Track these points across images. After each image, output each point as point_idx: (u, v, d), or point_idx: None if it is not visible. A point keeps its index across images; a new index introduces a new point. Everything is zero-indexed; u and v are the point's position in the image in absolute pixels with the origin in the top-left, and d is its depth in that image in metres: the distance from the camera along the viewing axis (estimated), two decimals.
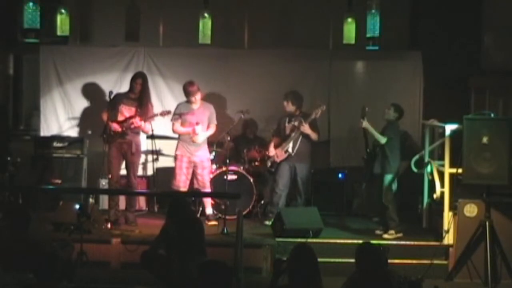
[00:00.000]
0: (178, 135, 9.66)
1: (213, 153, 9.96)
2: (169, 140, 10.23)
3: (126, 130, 9.25)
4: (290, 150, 9.58)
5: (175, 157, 9.62)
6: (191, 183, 9.63)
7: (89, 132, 10.48)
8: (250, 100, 10.36)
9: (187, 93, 9.52)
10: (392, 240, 8.73)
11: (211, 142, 9.89)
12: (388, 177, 8.95)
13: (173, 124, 9.61)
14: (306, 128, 9.46)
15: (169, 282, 6.95)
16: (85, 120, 10.54)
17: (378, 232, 9.07)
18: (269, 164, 9.81)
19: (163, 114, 9.36)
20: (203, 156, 9.60)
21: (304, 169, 9.64)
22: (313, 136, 9.55)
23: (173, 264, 7.02)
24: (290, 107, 9.65)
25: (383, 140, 8.93)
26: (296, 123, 9.58)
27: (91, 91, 10.52)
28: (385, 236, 8.90)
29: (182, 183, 9.52)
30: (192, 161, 9.54)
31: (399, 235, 8.89)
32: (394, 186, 9.00)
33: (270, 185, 9.97)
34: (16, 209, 7.99)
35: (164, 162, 10.43)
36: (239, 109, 10.00)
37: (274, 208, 9.52)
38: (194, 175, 9.59)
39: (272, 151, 9.76)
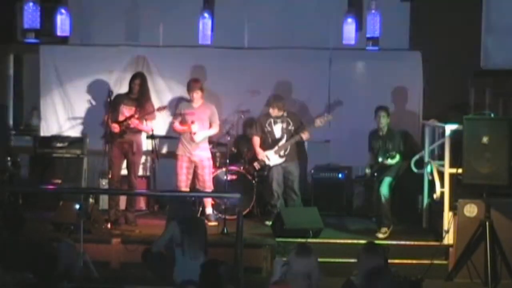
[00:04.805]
0: (179, 135, 9.66)
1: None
2: (169, 140, 10.25)
3: (125, 129, 9.26)
4: (282, 153, 9.60)
5: (176, 157, 9.62)
6: (193, 182, 9.63)
7: (89, 132, 10.49)
8: (250, 100, 10.36)
9: (188, 87, 9.52)
10: (393, 240, 8.72)
11: (212, 142, 9.88)
12: (387, 179, 9.00)
13: (172, 122, 9.63)
14: (306, 136, 9.54)
15: (170, 282, 6.95)
16: (85, 120, 10.54)
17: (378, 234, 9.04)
18: (258, 166, 9.71)
19: (160, 109, 9.40)
20: (203, 156, 9.57)
21: (295, 168, 9.64)
22: (309, 138, 9.64)
23: (174, 264, 7.02)
24: (276, 112, 9.64)
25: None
26: (287, 127, 9.57)
27: (91, 91, 10.51)
28: (379, 235, 8.87)
29: (183, 183, 9.51)
30: (193, 161, 9.53)
31: (390, 230, 8.92)
32: (391, 187, 9.08)
33: (264, 187, 9.88)
34: (9, 210, 7.99)
35: (164, 162, 10.42)
36: (239, 109, 9.99)
37: (274, 208, 9.53)
38: (195, 174, 9.59)
39: (261, 153, 9.68)
